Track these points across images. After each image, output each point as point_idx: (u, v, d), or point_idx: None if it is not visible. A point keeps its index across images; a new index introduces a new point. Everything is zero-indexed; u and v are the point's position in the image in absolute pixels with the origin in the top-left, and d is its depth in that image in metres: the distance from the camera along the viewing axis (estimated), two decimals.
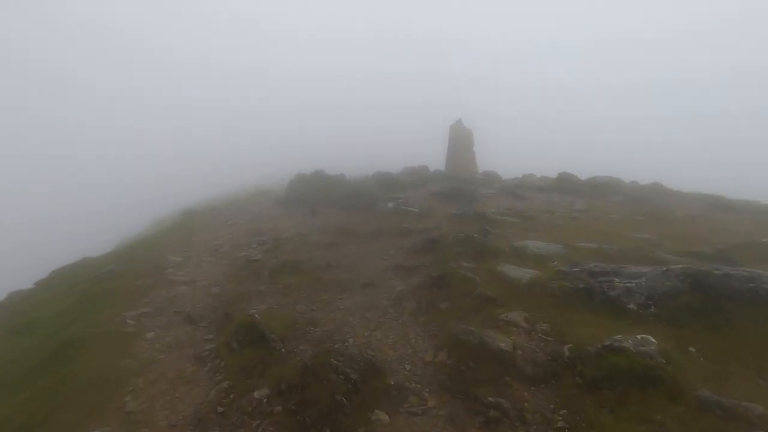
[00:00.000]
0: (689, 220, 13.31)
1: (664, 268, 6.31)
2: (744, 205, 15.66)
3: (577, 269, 7.11)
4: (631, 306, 5.93)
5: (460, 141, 23.82)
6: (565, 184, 19.20)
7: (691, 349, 4.93)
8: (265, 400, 4.98)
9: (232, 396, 5.23)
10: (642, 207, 14.97)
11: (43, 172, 70.36)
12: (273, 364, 5.70)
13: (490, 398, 4.58)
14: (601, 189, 18.53)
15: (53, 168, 72.23)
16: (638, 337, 4.90)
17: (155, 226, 23.51)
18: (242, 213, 20.68)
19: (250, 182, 40.37)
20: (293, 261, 10.00)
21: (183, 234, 15.79)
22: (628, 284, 6.23)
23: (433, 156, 28.46)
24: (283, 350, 6.08)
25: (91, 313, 8.27)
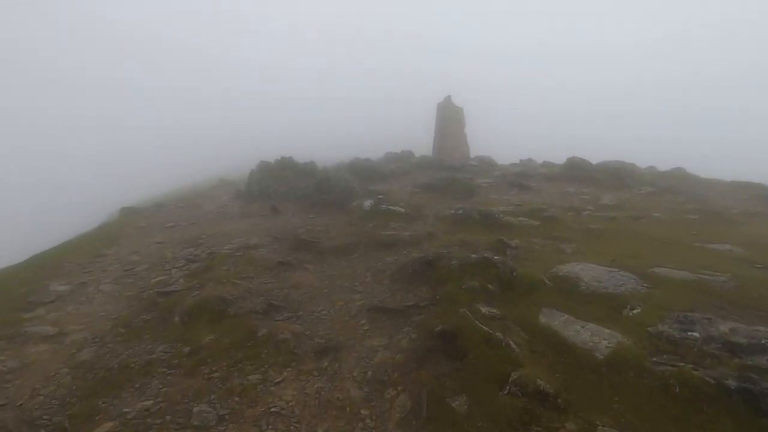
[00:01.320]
0: (748, 218, 10.40)
1: None
2: None
3: (696, 334, 3.96)
4: None
5: (449, 121, 20.49)
6: (576, 171, 16.17)
7: None
8: None
9: None
10: (680, 200, 12.04)
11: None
12: None
13: None
14: (619, 177, 15.57)
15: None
16: None
17: (83, 228, 19.54)
18: (189, 211, 16.99)
19: (216, 172, 36.35)
20: (220, 298, 6.57)
21: (97, 243, 12.10)
22: None
23: (418, 139, 25.13)
24: None
25: None
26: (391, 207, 10.27)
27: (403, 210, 10.26)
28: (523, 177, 15.81)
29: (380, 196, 11.31)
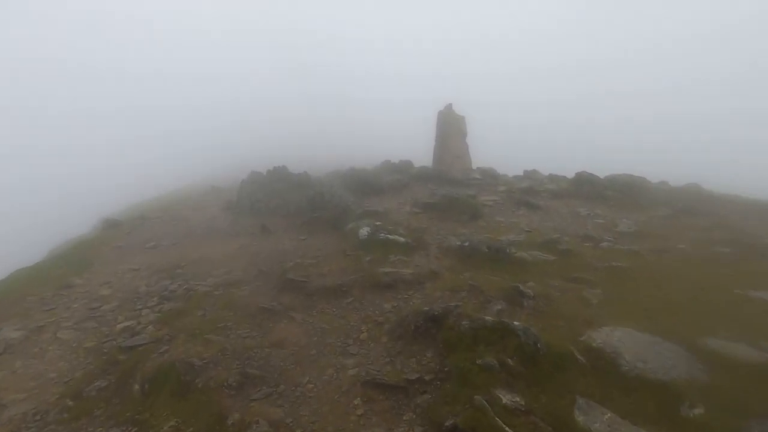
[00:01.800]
0: None
1: None
2: None
3: None
4: None
5: (450, 131, 19.50)
6: (585, 187, 15.22)
7: None
8: None
9: None
10: (703, 224, 11.11)
11: None
12: None
13: None
14: (631, 195, 14.65)
15: None
16: None
17: (64, 239, 18.44)
18: (175, 226, 15.94)
19: (208, 178, 35.26)
20: (188, 363, 5.55)
21: (68, 269, 11.05)
22: None
23: (417, 148, 24.14)
24: None
25: None
26: (389, 236, 9.27)
27: (403, 239, 9.26)
28: (531, 194, 14.84)
29: (378, 223, 10.28)
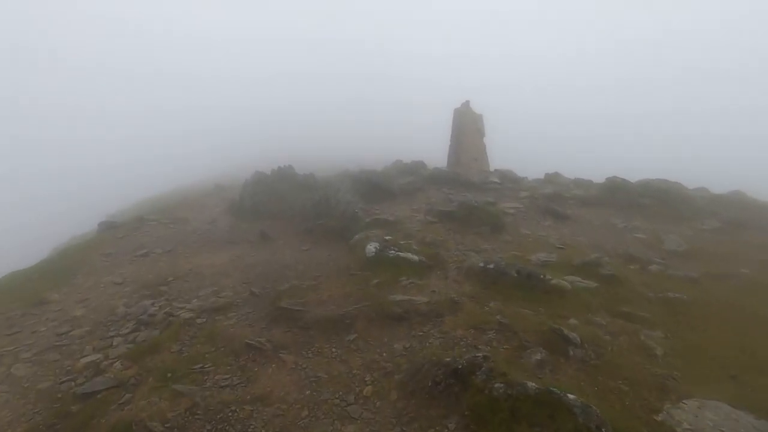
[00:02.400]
0: None
1: None
2: None
3: None
4: None
5: (467, 130, 18.14)
6: (618, 195, 13.77)
7: None
8: None
9: None
10: (761, 239, 9.64)
11: None
12: None
13: None
14: (671, 204, 13.16)
15: None
16: None
17: (59, 246, 17.62)
18: (172, 230, 14.94)
19: (214, 176, 34.45)
20: (147, 431, 4.41)
21: (48, 281, 10.07)
22: None
23: (431, 149, 22.82)
24: None
25: None
26: (400, 254, 8.03)
27: (416, 258, 8.01)
28: (557, 201, 13.46)
29: (387, 237, 9.03)
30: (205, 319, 6.95)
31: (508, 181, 17.06)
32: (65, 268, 11.19)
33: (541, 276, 6.99)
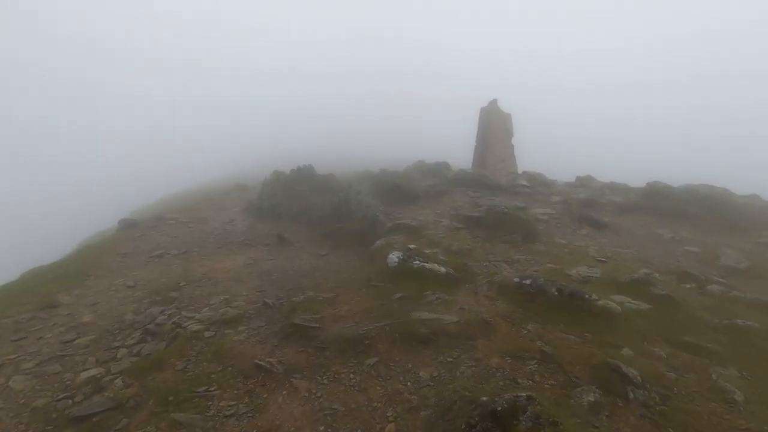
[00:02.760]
0: None
1: None
2: None
3: None
4: None
5: (494, 130, 17.27)
6: (660, 201, 12.70)
7: None
8: None
9: None
10: None
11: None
12: None
13: None
14: (718, 210, 12.02)
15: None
16: None
17: (83, 242, 17.64)
18: (190, 229, 14.70)
19: (235, 173, 34.53)
20: None
21: (59, 282, 9.82)
22: None
23: (453, 148, 21.99)
24: None
25: None
26: (426, 264, 7.34)
27: (443, 270, 7.30)
28: (592, 207, 12.50)
29: (411, 246, 8.34)
30: (213, 333, 6.44)
31: (538, 185, 16.12)
32: (80, 267, 10.96)
33: (586, 296, 6.18)
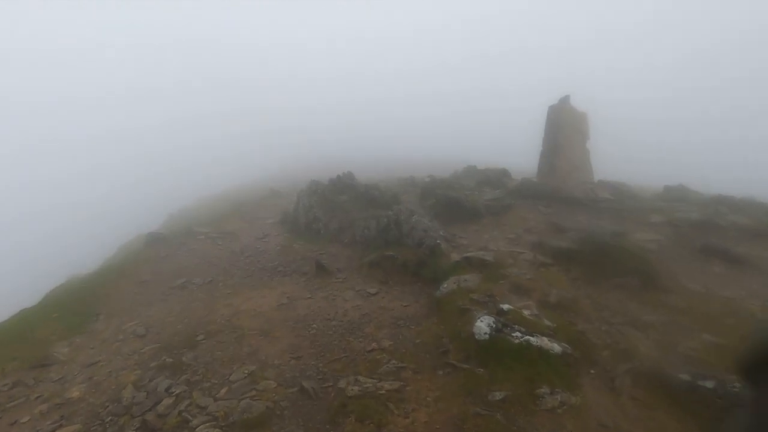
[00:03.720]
0: None
1: None
2: None
3: None
4: None
5: (566, 132, 14.60)
6: None
7: None
8: None
9: None
10: None
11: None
12: None
13: None
14: None
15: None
16: None
17: (110, 257, 16.49)
18: (220, 247, 13.15)
19: (270, 178, 33.18)
20: None
21: (63, 324, 8.33)
22: None
23: (511, 153, 19.38)
24: None
25: None
26: (531, 339, 5.05)
27: (557, 348, 4.99)
28: (714, 231, 9.72)
29: (505, 307, 5.94)
30: None
31: (623, 197, 13.34)
32: (90, 303, 9.46)
33: None
